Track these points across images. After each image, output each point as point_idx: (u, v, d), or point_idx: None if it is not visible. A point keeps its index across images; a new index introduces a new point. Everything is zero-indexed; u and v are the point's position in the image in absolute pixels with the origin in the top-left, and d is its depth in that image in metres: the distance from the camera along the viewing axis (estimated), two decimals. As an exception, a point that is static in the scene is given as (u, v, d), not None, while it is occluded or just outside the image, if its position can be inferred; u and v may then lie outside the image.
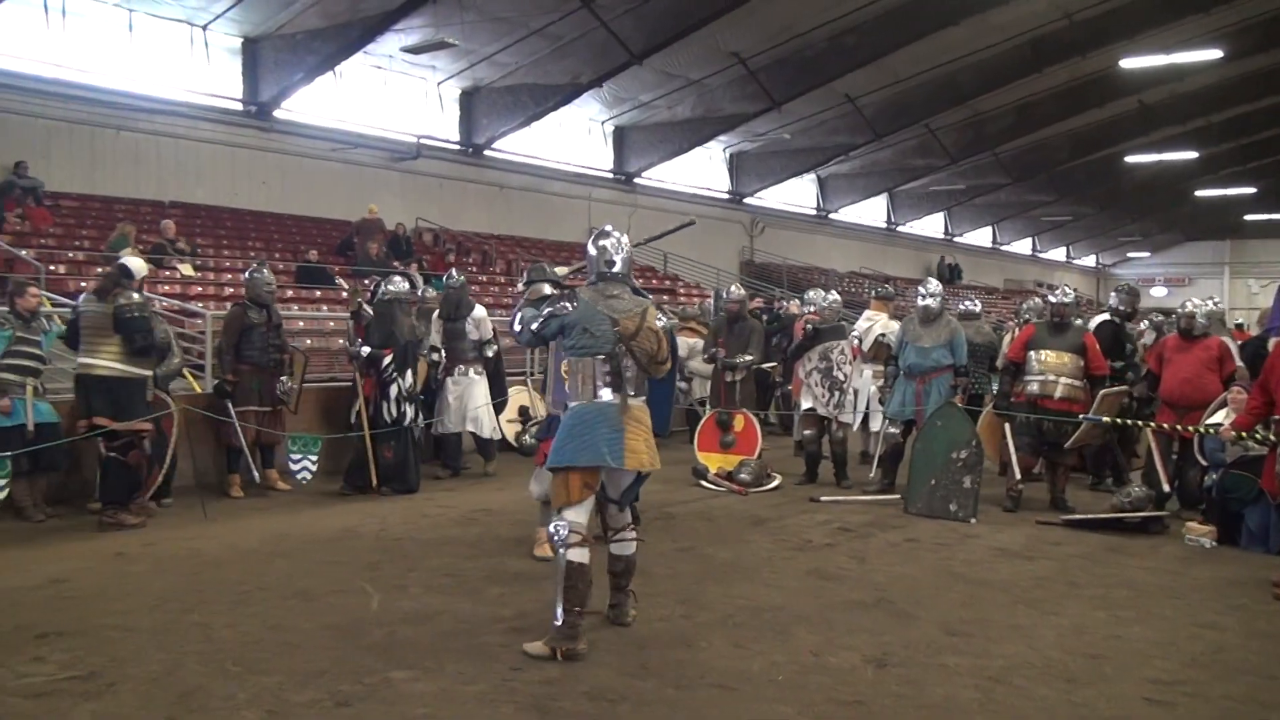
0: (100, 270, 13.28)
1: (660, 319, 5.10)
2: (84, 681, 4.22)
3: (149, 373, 7.42)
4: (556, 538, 4.70)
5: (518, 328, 5.12)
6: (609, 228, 5.14)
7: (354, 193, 19.49)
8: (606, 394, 4.79)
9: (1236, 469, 7.19)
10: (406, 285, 9.24)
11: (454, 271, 10.36)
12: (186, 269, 14.19)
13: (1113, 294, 9.82)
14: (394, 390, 8.68)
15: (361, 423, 8.67)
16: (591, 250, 5.05)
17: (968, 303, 11.00)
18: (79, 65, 16.38)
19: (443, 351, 9.68)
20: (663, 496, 8.42)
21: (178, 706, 3.98)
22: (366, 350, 8.72)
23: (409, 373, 8.83)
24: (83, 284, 12.78)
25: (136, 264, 7.60)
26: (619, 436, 4.73)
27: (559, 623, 4.59)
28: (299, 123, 19.41)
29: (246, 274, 9.17)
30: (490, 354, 9.77)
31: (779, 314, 14.14)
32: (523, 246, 22.25)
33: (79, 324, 7.28)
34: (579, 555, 4.65)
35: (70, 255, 13.89)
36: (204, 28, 17.73)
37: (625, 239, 5.10)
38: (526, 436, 10.55)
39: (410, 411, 8.80)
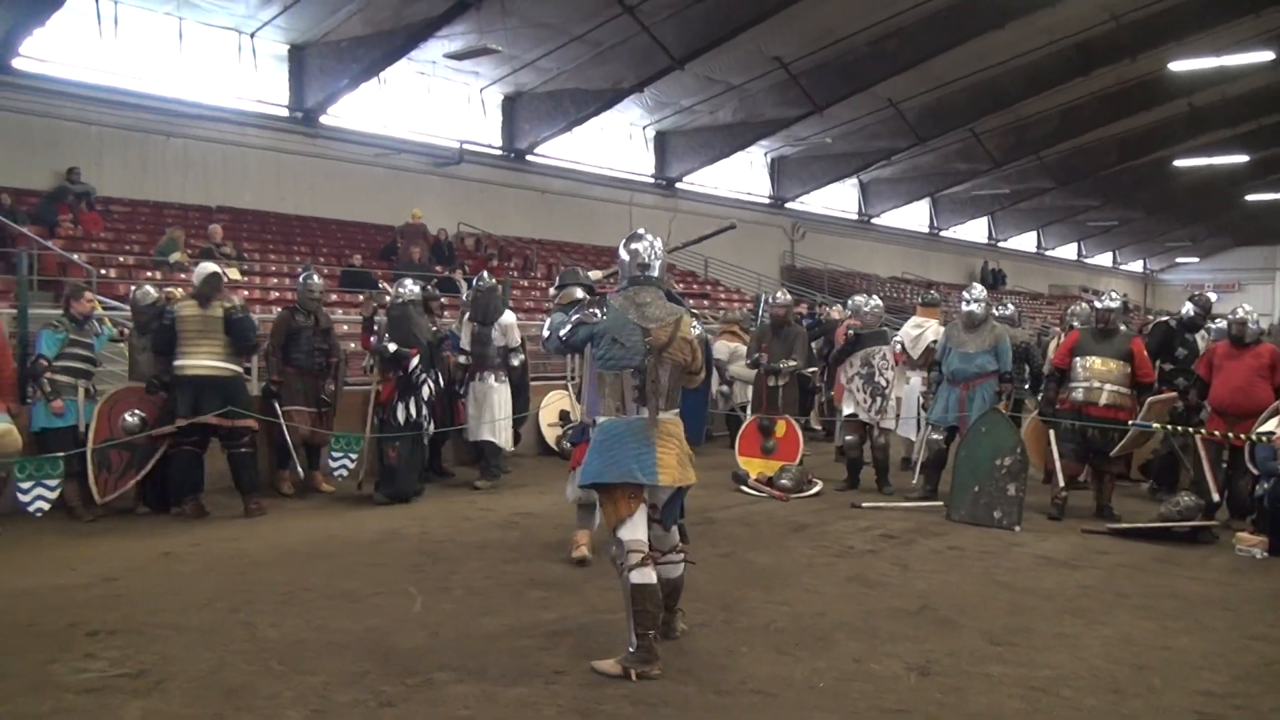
0: (150, 274, 13.56)
1: (695, 327, 4.87)
2: (134, 679, 4.29)
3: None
4: (618, 561, 4.56)
5: (546, 334, 5.01)
6: (642, 230, 4.98)
7: (397, 198, 19.68)
8: (636, 409, 4.59)
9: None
10: (418, 288, 9.07)
11: (485, 274, 10.13)
12: (233, 273, 14.39)
13: (1188, 301, 9.54)
14: (425, 391, 8.58)
15: (385, 424, 8.60)
16: (624, 254, 4.86)
17: (1001, 308, 10.83)
18: (130, 73, 16.70)
19: (470, 355, 9.44)
20: (703, 502, 8.41)
21: (225, 704, 4.04)
22: (394, 347, 8.48)
23: (436, 373, 8.77)
24: (133, 287, 12.97)
25: (209, 268, 8.13)
26: (650, 452, 4.53)
27: (633, 647, 4.43)
28: (344, 128, 19.65)
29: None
30: (515, 363, 9.48)
31: (819, 319, 14.09)
32: (564, 251, 22.33)
33: (176, 329, 7.64)
34: (642, 576, 4.47)
35: (120, 259, 14.14)
36: (251, 35, 18.00)
37: (659, 242, 4.91)
38: (565, 441, 10.61)
39: (427, 413, 8.65)
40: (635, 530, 4.55)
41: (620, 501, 4.56)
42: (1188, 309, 9.48)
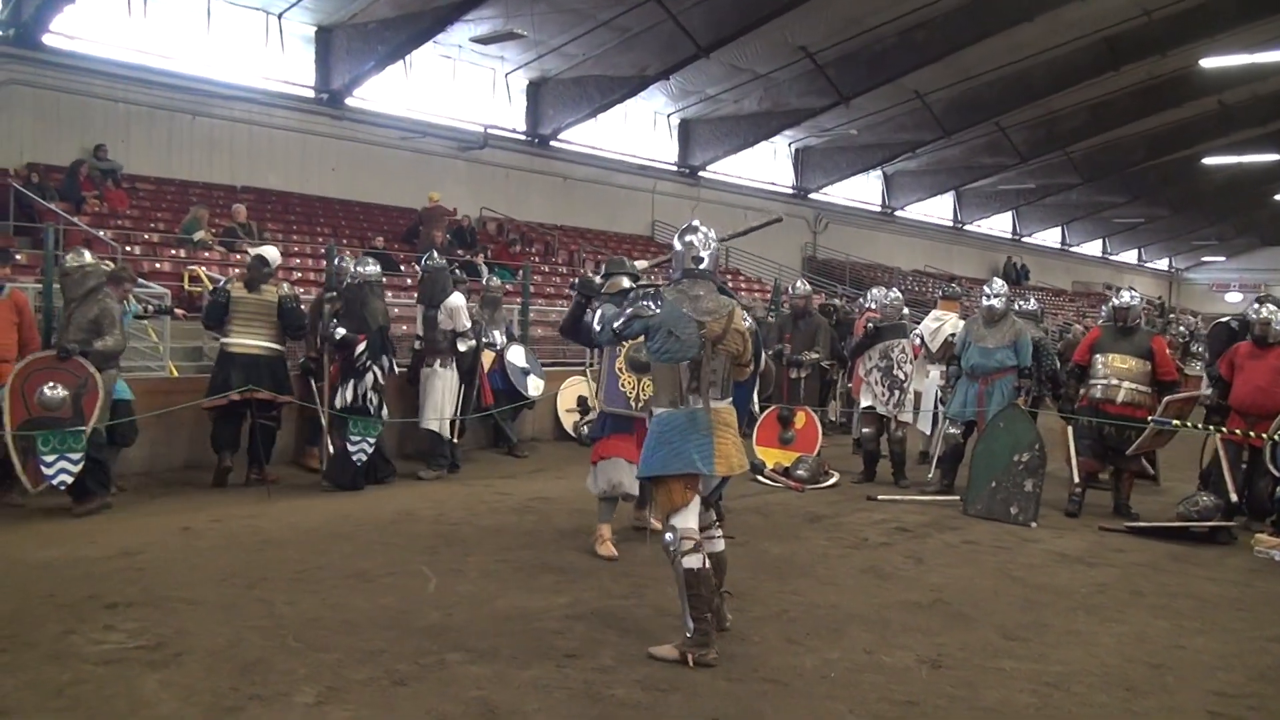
0: (174, 251, 13.67)
1: (746, 319, 4.89)
2: (152, 651, 4.34)
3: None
4: (671, 547, 4.59)
5: (597, 326, 5.00)
6: (696, 222, 4.94)
7: (421, 181, 19.73)
8: (693, 400, 4.63)
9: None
10: (377, 267, 8.63)
11: (434, 253, 9.64)
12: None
13: (1255, 302, 9.09)
14: (369, 379, 8.17)
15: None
16: (678, 245, 4.85)
17: (1022, 301, 10.72)
18: (159, 52, 16.80)
19: (420, 340, 9.19)
20: (719, 490, 8.40)
21: (240, 679, 4.08)
22: (341, 333, 8.16)
23: (385, 359, 8.29)
24: (158, 265, 13.15)
25: (273, 253, 8.59)
26: (709, 442, 4.62)
27: (690, 632, 4.46)
28: (369, 110, 19.71)
29: None
30: (463, 348, 8.98)
31: (834, 311, 13.97)
32: (585, 238, 22.35)
33: (230, 308, 8.19)
34: (694, 561, 4.53)
35: (145, 236, 14.25)
36: (279, 16, 18.06)
37: (713, 234, 4.89)
38: (584, 428, 10.63)
39: (375, 401, 8.22)
40: (688, 519, 4.62)
41: (676, 492, 4.63)
42: (1252, 311, 8.93)
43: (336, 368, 8.36)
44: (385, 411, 8.42)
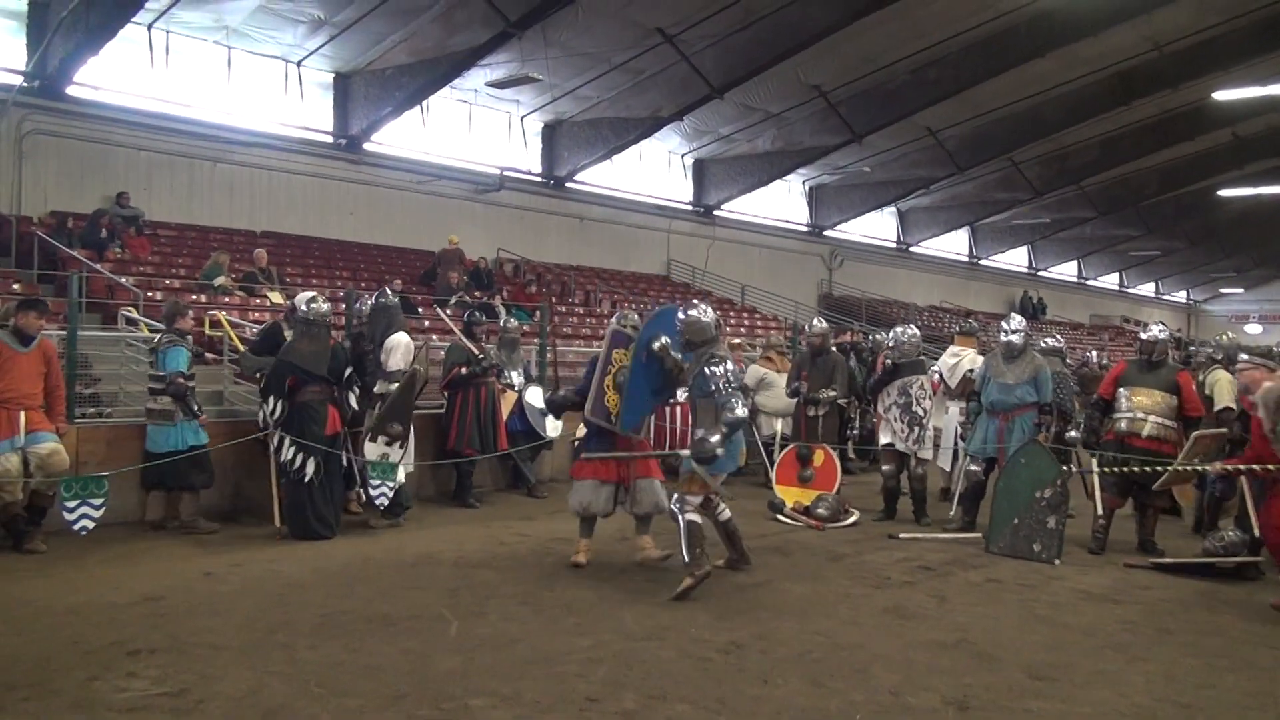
0: (195, 297, 13.79)
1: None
2: (174, 698, 4.35)
3: None
4: (682, 508, 6.44)
5: (742, 411, 6.46)
6: (695, 300, 6.46)
7: (438, 223, 19.92)
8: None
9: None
10: (321, 309, 8.08)
11: (388, 290, 9.26)
12: (276, 296, 14.61)
13: None
14: (259, 416, 7.96)
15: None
16: (705, 318, 6.61)
17: (1050, 339, 10.75)
18: (180, 101, 17.09)
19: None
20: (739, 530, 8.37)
21: (263, 725, 4.07)
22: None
23: (272, 399, 7.81)
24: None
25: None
26: (740, 447, 6.70)
27: (688, 559, 6.30)
28: (387, 155, 19.95)
29: None
30: (379, 389, 8.47)
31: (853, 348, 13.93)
32: (602, 278, 22.44)
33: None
34: (694, 517, 6.44)
35: (167, 282, 14.39)
36: (298, 64, 18.36)
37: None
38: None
39: (288, 449, 7.71)
40: (698, 499, 6.49)
41: (700, 484, 6.47)
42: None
43: None
44: (301, 459, 7.71)
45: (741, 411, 6.39)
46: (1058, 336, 11.05)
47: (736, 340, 15.07)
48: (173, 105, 17.02)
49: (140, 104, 16.65)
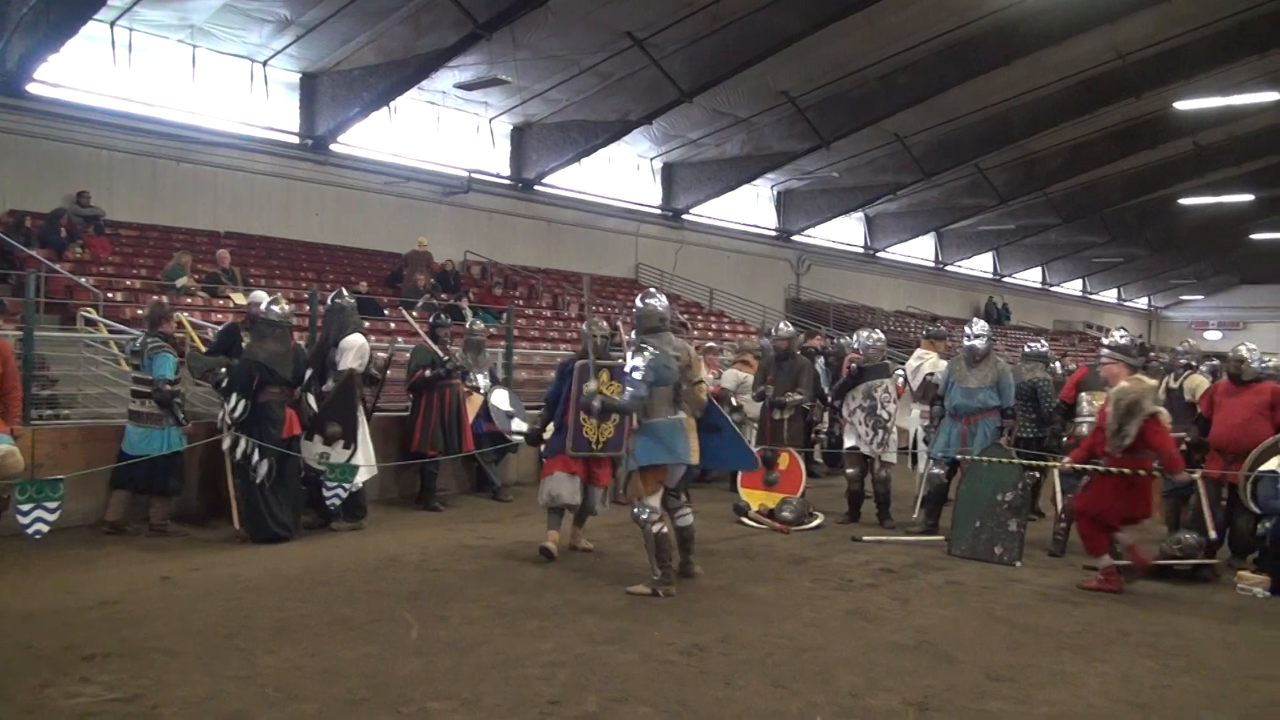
0: (157, 298, 13.62)
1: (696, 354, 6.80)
2: (128, 703, 4.28)
3: None
4: (644, 518, 6.39)
5: (637, 391, 6.37)
6: (653, 290, 6.70)
7: (405, 225, 19.81)
8: (677, 411, 6.54)
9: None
10: (280, 310, 7.97)
11: (343, 291, 9.10)
12: (239, 298, 14.47)
13: None
14: (219, 415, 7.80)
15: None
16: (641, 305, 6.70)
17: (1035, 343, 10.58)
18: (143, 99, 16.87)
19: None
20: (703, 534, 8.34)
21: (218, 730, 4.02)
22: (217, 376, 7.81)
23: (235, 397, 7.61)
24: (139, 311, 13.07)
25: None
26: (688, 440, 6.53)
27: (657, 575, 6.35)
28: (354, 156, 19.80)
29: None
30: (325, 386, 8.35)
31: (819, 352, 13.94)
32: (570, 281, 22.41)
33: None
34: (660, 528, 6.42)
35: (127, 283, 14.21)
36: (264, 64, 18.19)
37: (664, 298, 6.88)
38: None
39: (243, 447, 7.60)
40: (656, 500, 6.47)
41: (650, 481, 6.45)
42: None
43: None
44: (257, 458, 7.63)
45: (627, 400, 6.44)
46: (1043, 341, 10.98)
47: (710, 344, 15.08)
48: (135, 104, 16.79)
49: (102, 102, 16.42)
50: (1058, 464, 7.72)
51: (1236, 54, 21.55)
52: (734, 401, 11.35)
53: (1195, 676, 5.17)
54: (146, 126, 16.97)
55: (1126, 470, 6.87)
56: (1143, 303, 49.11)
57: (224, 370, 7.97)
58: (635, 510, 6.47)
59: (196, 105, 17.57)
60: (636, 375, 6.35)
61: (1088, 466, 7.15)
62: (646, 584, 6.36)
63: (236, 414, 7.64)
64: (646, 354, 6.32)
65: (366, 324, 14.71)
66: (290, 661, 4.88)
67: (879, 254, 32.62)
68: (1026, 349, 10.20)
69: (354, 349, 8.45)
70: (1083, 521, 7.14)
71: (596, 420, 7.18)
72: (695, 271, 25.81)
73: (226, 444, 7.68)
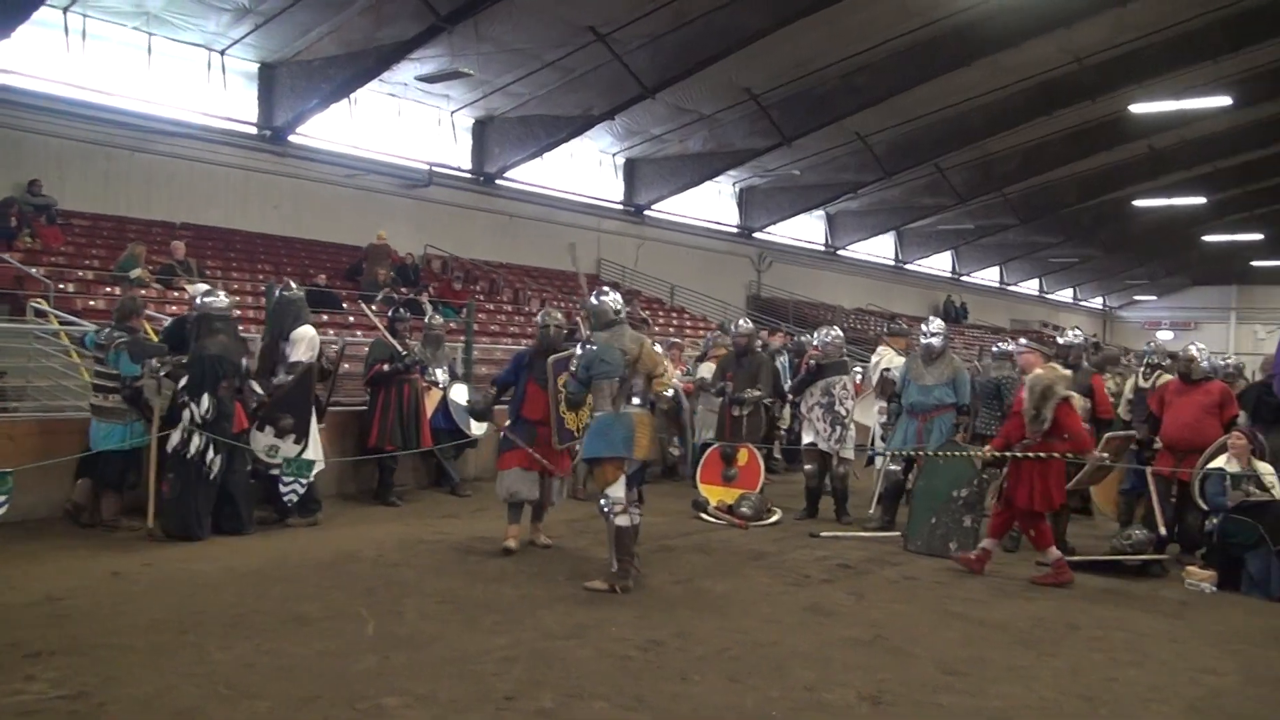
0: (110, 289, 13.41)
1: (658, 346, 6.84)
2: (73, 701, 4.21)
3: None
4: (607, 509, 6.40)
5: (575, 386, 6.67)
6: (606, 288, 6.77)
7: (365, 218, 19.59)
8: (621, 405, 6.49)
9: (1237, 514, 7.17)
10: (225, 301, 8.01)
11: (291, 282, 9.00)
12: (193, 289, 14.25)
13: None
14: (185, 415, 7.44)
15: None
16: (594, 302, 6.83)
17: (1004, 344, 10.55)
18: (97, 87, 16.54)
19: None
20: (662, 529, 8.40)
21: (168, 727, 3.97)
22: (165, 371, 7.59)
23: (205, 397, 7.48)
24: (92, 303, 12.87)
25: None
26: (632, 435, 6.41)
27: (615, 568, 6.34)
28: (313, 148, 19.56)
29: None
30: (277, 379, 8.24)
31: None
32: (531, 276, 22.33)
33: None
34: (624, 520, 6.38)
35: (80, 274, 13.97)
36: (222, 53, 17.92)
37: (618, 295, 7.04)
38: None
39: (198, 443, 7.44)
40: (619, 490, 6.43)
41: (610, 471, 6.45)
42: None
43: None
44: (212, 454, 7.51)
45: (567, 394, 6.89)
46: (1013, 340, 10.93)
47: (675, 340, 15.08)
48: (89, 92, 16.45)
49: (55, 90, 16.06)
50: (979, 454, 7.85)
51: (1190, 59, 21.88)
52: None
53: (1142, 670, 5.27)
54: (101, 115, 16.64)
55: (1043, 455, 7.14)
56: (1097, 302, 49.79)
57: (184, 372, 7.66)
58: (600, 501, 6.53)
59: (152, 94, 17.26)
60: (572, 367, 6.70)
61: (1006, 454, 7.39)
62: (604, 579, 6.36)
63: (208, 415, 7.50)
64: (586, 348, 6.59)
65: (325, 317, 14.71)
66: (243, 658, 4.82)
67: (839, 252, 32.81)
68: (995, 348, 10.28)
69: (305, 340, 8.34)
70: (1020, 520, 7.31)
71: (574, 411, 7.25)
72: (657, 268, 25.80)
73: (176, 441, 7.48)
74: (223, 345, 7.73)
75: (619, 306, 6.82)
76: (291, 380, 8.19)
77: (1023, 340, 7.71)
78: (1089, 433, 8.25)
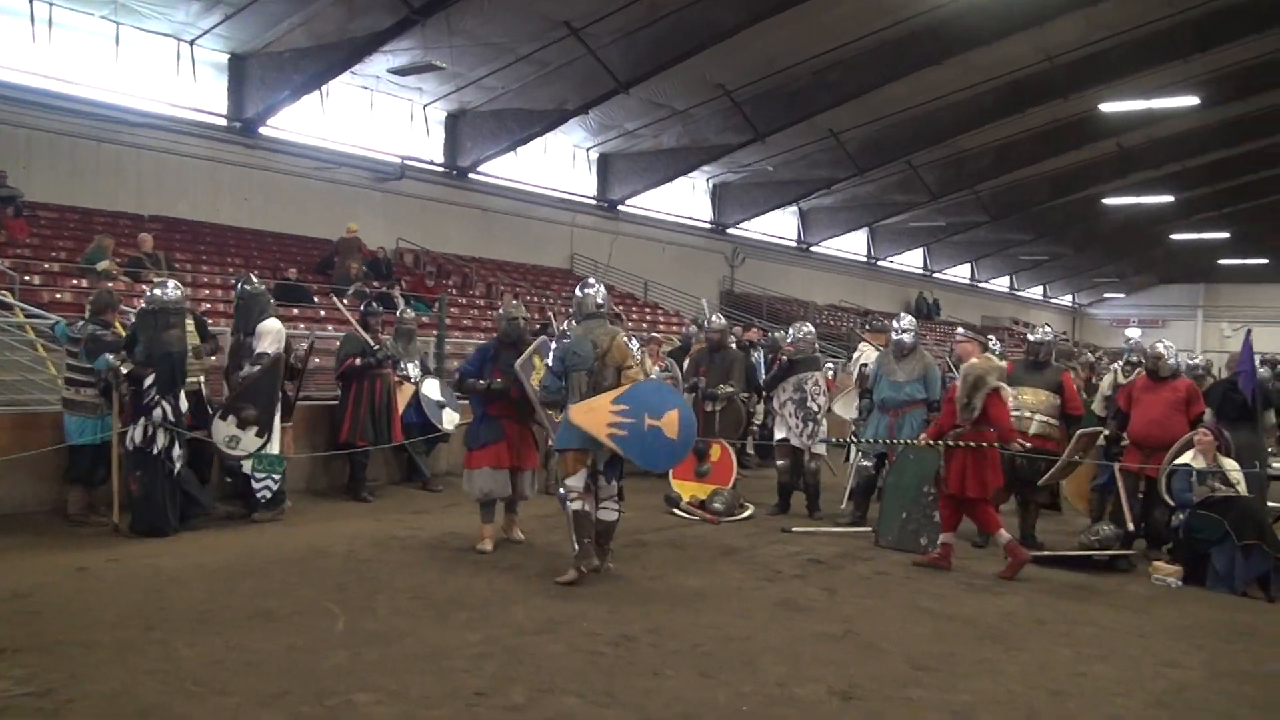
0: (76, 282, 13.25)
1: (631, 339, 6.81)
2: (39, 698, 4.16)
3: None
4: (565, 497, 6.48)
5: (549, 382, 6.80)
6: (591, 280, 6.93)
7: (336, 212, 19.45)
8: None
9: (1203, 509, 7.27)
10: (179, 292, 7.87)
11: (252, 277, 8.98)
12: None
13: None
14: (157, 414, 7.35)
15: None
16: (579, 294, 6.90)
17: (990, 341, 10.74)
18: (64, 76, 16.31)
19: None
20: (635, 524, 8.40)
21: (135, 725, 3.93)
22: (127, 369, 7.42)
23: (173, 396, 7.46)
24: (58, 295, 12.71)
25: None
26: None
27: (576, 550, 6.41)
28: (283, 140, 19.38)
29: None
30: (242, 372, 8.23)
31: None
32: (504, 270, 22.26)
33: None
34: (579, 505, 6.46)
35: (46, 266, 13.79)
36: (191, 43, 17.72)
37: (602, 288, 7.08)
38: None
39: (163, 440, 7.39)
40: (579, 480, 6.49)
41: (571, 461, 6.52)
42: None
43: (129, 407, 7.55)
44: (179, 450, 7.50)
45: (535, 388, 7.00)
46: (959, 331, 11.09)
47: (654, 335, 15.09)
48: (56, 82, 16.20)
49: (20, 79, 15.82)
50: (918, 443, 7.93)
51: (1160, 58, 22.10)
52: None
53: (1109, 664, 5.32)
54: (67, 105, 16.41)
55: (974, 444, 7.25)
56: (1067, 300, 50.26)
57: (148, 370, 7.51)
58: (559, 491, 6.63)
59: (120, 84, 17.04)
60: (549, 361, 6.88)
61: (935, 442, 7.55)
62: (572, 567, 6.41)
63: (178, 412, 7.48)
64: (561, 341, 6.82)
65: (296, 311, 14.60)
66: (211, 654, 4.78)
67: (813, 248, 32.92)
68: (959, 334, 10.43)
69: (271, 333, 8.32)
70: (964, 507, 7.45)
71: (557, 410, 7.05)
72: (630, 263, 25.79)
73: (139, 437, 7.37)
74: (178, 338, 7.66)
75: (601, 300, 6.87)
76: (258, 371, 8.14)
77: (961, 330, 7.85)
78: (1060, 429, 8.37)
